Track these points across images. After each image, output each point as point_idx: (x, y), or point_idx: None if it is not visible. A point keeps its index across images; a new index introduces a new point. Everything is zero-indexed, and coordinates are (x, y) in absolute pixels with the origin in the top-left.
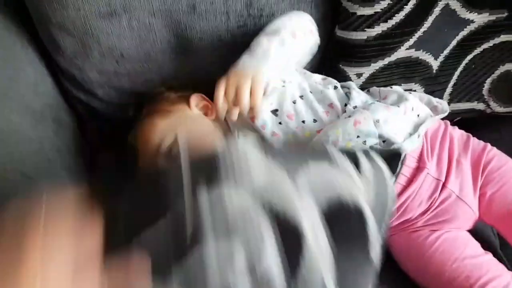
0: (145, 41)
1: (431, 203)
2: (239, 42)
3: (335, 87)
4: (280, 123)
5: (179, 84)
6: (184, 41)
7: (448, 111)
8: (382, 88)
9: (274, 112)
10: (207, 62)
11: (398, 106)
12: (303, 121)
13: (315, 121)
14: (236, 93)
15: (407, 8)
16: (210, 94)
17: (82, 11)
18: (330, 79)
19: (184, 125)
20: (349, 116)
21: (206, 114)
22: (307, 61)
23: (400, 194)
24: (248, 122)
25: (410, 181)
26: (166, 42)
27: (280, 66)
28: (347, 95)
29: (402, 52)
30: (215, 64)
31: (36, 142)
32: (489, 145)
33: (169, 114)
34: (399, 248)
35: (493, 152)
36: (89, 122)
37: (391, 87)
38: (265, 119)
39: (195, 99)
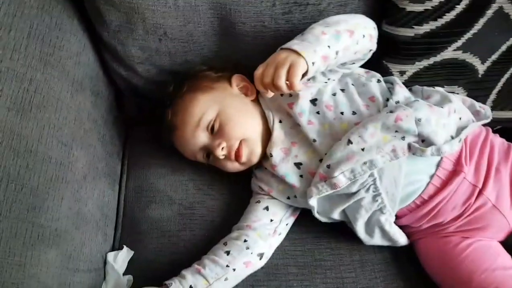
0: (189, 22)
1: (465, 208)
2: (282, 29)
3: (378, 81)
4: (317, 112)
5: (219, 64)
6: (227, 24)
7: (491, 117)
8: (425, 87)
9: (313, 101)
10: (247, 46)
11: (442, 107)
12: (342, 113)
13: (354, 113)
14: (274, 71)
15: (459, 8)
16: (250, 77)
17: None
18: (373, 72)
19: (226, 101)
20: (391, 111)
21: (246, 94)
22: (356, 66)
23: (433, 196)
24: (286, 108)
25: (445, 184)
26: (209, 24)
27: (328, 58)
28: (390, 90)
29: (448, 53)
30: (255, 49)
31: (74, 111)
32: None
33: (211, 90)
34: (426, 252)
35: None
36: (126, 96)
37: (434, 88)
38: (303, 107)
39: (236, 79)
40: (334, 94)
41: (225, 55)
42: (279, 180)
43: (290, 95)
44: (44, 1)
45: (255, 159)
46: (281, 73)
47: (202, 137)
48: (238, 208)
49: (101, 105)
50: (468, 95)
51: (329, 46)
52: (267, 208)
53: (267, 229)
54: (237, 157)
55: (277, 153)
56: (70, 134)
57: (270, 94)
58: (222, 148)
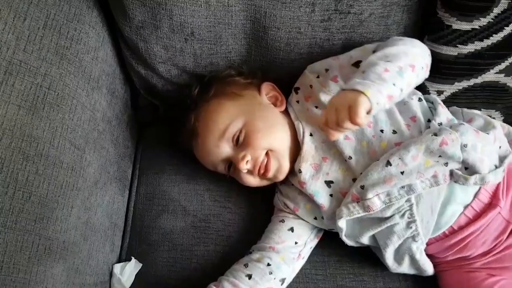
0: (219, 22)
1: (496, 245)
2: (318, 37)
3: (420, 99)
4: None
5: (249, 70)
6: (260, 28)
7: None
8: (464, 109)
9: None
10: (279, 53)
11: (487, 133)
12: (382, 131)
13: (394, 132)
14: (337, 116)
15: (507, 30)
16: (279, 85)
17: None
18: (414, 89)
19: (254, 112)
20: (435, 134)
21: (275, 104)
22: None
23: (464, 227)
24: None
25: (478, 216)
26: (241, 26)
27: (393, 97)
28: (431, 110)
29: (490, 76)
30: (287, 57)
31: (89, 110)
32: None
33: (239, 98)
34: (449, 285)
35: None
36: (142, 96)
37: (474, 111)
38: None
39: (266, 87)
40: None
41: (254, 62)
42: (307, 198)
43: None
44: None
45: (282, 175)
46: (343, 116)
47: (225, 148)
48: (257, 225)
49: (116, 104)
50: (504, 120)
51: (394, 84)
52: (292, 229)
53: (291, 252)
54: (265, 171)
55: (306, 169)
56: (83, 136)
57: (337, 135)
58: (247, 162)
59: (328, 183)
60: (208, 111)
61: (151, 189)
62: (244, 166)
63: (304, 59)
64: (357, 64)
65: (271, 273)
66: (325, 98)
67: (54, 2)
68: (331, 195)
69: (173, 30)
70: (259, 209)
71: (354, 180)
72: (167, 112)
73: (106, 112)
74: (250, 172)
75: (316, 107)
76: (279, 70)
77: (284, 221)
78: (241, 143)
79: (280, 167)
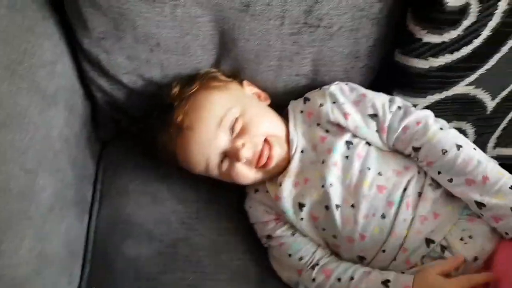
0: (186, 33)
1: None
2: (288, 50)
3: None
4: (346, 157)
5: (227, 71)
6: (229, 39)
7: None
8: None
9: (348, 143)
10: (249, 64)
11: None
12: (369, 168)
13: (380, 174)
14: None
15: (477, 42)
16: None
17: None
18: None
19: (245, 101)
20: None
21: (259, 98)
22: None
23: None
24: (316, 140)
25: None
26: (209, 37)
27: None
28: None
29: (460, 88)
30: (257, 68)
31: (43, 129)
32: None
33: (227, 90)
34: None
35: None
36: (103, 111)
37: None
38: (337, 145)
39: (248, 83)
40: (368, 144)
41: (222, 72)
42: (281, 210)
43: (327, 130)
44: None
45: (284, 162)
46: None
47: (222, 138)
48: (227, 246)
49: (75, 121)
50: (475, 132)
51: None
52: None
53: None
54: (268, 159)
55: (287, 185)
56: (36, 158)
57: None
58: (248, 148)
59: (301, 206)
60: (199, 103)
61: (113, 212)
62: (245, 154)
63: (274, 71)
64: (373, 116)
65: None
66: (330, 123)
67: (5, 13)
68: (301, 218)
69: (137, 41)
70: (229, 229)
71: (326, 207)
72: (130, 128)
73: (63, 130)
74: (247, 163)
75: (318, 124)
76: (250, 81)
77: (295, 233)
78: (237, 132)
79: (281, 154)
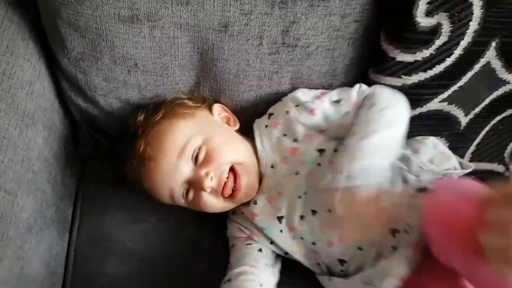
0: (165, 54)
1: None
2: (267, 69)
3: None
4: (319, 164)
5: (198, 96)
6: (208, 60)
7: None
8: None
9: (321, 151)
10: (229, 84)
11: None
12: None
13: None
14: None
15: (449, 61)
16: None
17: (100, 10)
18: None
19: (210, 128)
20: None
21: (228, 124)
22: None
23: None
24: (286, 152)
25: None
26: (188, 58)
27: None
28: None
29: (434, 104)
30: (237, 88)
31: (22, 150)
32: None
33: (192, 118)
34: None
35: None
36: (82, 130)
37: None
38: (308, 155)
39: (217, 108)
40: (335, 150)
41: (202, 92)
42: (258, 229)
43: (295, 139)
44: None
45: (253, 192)
46: None
47: (185, 169)
48: (208, 263)
49: (54, 140)
50: (449, 146)
51: None
52: (260, 250)
53: (267, 269)
54: (235, 190)
55: (262, 201)
56: (15, 179)
57: None
58: (211, 178)
59: (280, 218)
60: (161, 131)
61: (94, 230)
62: (209, 183)
63: (254, 91)
64: (338, 101)
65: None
66: (298, 128)
67: None
68: (281, 230)
69: (115, 62)
70: (209, 247)
71: (301, 217)
72: (110, 146)
73: (43, 150)
74: (213, 193)
75: (285, 135)
76: (229, 101)
77: (251, 244)
78: (201, 161)
79: (250, 182)
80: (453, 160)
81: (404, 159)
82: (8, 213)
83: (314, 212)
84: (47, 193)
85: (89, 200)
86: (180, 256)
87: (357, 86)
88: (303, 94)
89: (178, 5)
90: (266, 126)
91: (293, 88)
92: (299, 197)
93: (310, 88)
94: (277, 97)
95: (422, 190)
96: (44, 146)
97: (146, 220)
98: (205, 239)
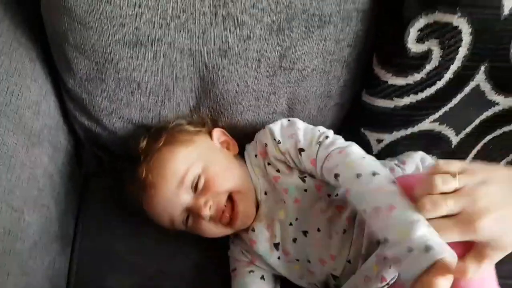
0: (167, 77)
1: None
2: (265, 90)
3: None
4: (305, 190)
5: (198, 118)
6: (208, 82)
7: None
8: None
9: (303, 178)
10: (228, 105)
11: None
12: (329, 195)
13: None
14: None
15: (439, 84)
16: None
17: (106, 36)
18: None
19: (209, 156)
20: None
21: (227, 149)
22: None
23: None
24: (272, 180)
25: None
26: (189, 80)
27: None
28: None
29: (426, 124)
30: (236, 108)
31: (29, 168)
32: None
33: (191, 144)
34: None
35: None
36: (87, 147)
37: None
38: (290, 183)
39: (217, 133)
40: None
41: (202, 112)
42: (258, 255)
43: (278, 170)
44: (4, 43)
45: (249, 220)
46: None
47: (185, 197)
48: (210, 276)
49: (58, 157)
50: None
51: None
52: (263, 277)
53: None
54: (233, 218)
55: (260, 229)
56: (22, 196)
57: None
58: (210, 207)
59: (276, 245)
60: (162, 159)
61: (95, 245)
62: (207, 212)
63: (252, 110)
64: (301, 150)
65: None
66: (276, 162)
67: None
68: (278, 257)
69: (119, 84)
70: (212, 260)
71: (294, 240)
72: (112, 164)
73: (48, 167)
74: (212, 220)
75: (269, 163)
76: (228, 121)
77: (253, 271)
78: (200, 189)
79: (247, 210)
80: None
81: (389, 169)
82: (15, 229)
83: (305, 232)
84: (51, 209)
85: (90, 215)
86: (181, 272)
87: (322, 137)
88: (279, 130)
89: (180, 31)
90: (256, 155)
91: (290, 108)
92: (290, 224)
93: (306, 108)
94: (274, 116)
95: None
96: (49, 163)
97: (147, 235)
98: (207, 256)
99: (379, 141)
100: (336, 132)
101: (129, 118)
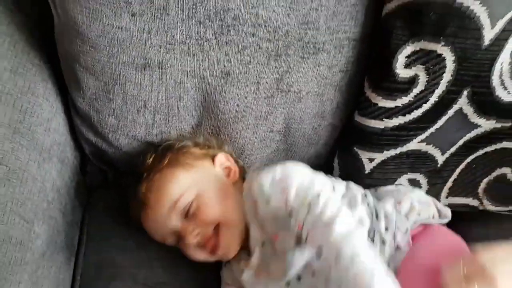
0: (171, 96)
1: None
2: (263, 110)
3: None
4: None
5: (204, 140)
6: (210, 101)
7: None
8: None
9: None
10: (228, 124)
11: None
12: None
13: None
14: None
15: (426, 107)
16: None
17: (115, 58)
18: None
19: (206, 183)
20: None
21: (228, 175)
22: None
23: None
24: (270, 235)
25: None
26: (192, 100)
27: None
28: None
29: (413, 144)
30: (236, 127)
31: (39, 182)
32: None
33: (192, 169)
34: None
35: None
36: (92, 162)
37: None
38: (289, 249)
39: (220, 158)
40: None
41: (203, 130)
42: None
43: (275, 226)
44: (18, 64)
45: (231, 254)
46: None
47: (175, 221)
48: None
49: (66, 172)
50: (428, 182)
51: None
52: None
53: None
54: (215, 248)
55: (249, 275)
56: (33, 209)
57: None
58: (196, 234)
59: None
60: (161, 180)
61: (99, 256)
62: (192, 239)
63: (251, 129)
64: (290, 213)
65: None
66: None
67: (8, 77)
68: None
69: (126, 103)
70: (213, 273)
71: (287, 284)
72: (116, 178)
73: (56, 181)
74: (199, 246)
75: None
76: (228, 139)
77: None
78: (191, 215)
79: (229, 244)
80: (432, 207)
81: (385, 216)
82: (25, 240)
83: (299, 277)
84: (58, 221)
85: (95, 226)
86: (183, 284)
87: (314, 200)
88: (270, 184)
89: (186, 56)
90: (251, 204)
91: (286, 127)
92: (288, 284)
93: (301, 128)
94: (271, 134)
95: (397, 248)
96: (57, 177)
97: (150, 247)
98: (209, 268)
99: (371, 160)
100: (330, 151)
101: (134, 135)
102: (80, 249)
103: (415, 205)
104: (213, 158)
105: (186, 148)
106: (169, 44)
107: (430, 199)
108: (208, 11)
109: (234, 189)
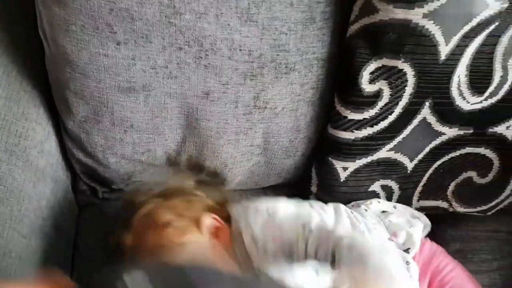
0: (156, 116)
1: None
2: (242, 126)
3: None
4: None
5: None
6: (193, 120)
7: None
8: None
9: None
10: (210, 140)
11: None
12: None
13: None
14: None
15: (391, 118)
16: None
17: (103, 83)
18: None
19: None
20: None
21: (217, 235)
22: None
23: None
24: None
25: None
26: (176, 119)
27: None
28: None
29: (383, 153)
30: (218, 142)
31: (35, 200)
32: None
33: (182, 249)
34: None
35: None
36: (82, 180)
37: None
38: None
39: (205, 220)
40: None
41: (187, 147)
42: None
43: None
44: (12, 91)
45: None
46: None
47: None
48: None
49: (58, 190)
50: (399, 187)
51: None
52: None
53: None
54: None
55: None
56: (30, 225)
57: None
58: None
59: None
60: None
61: (92, 269)
62: None
63: (232, 144)
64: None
65: None
66: None
67: (3, 103)
68: None
69: (113, 124)
70: None
71: None
72: (105, 194)
73: (50, 199)
74: None
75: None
76: (211, 154)
77: None
78: None
79: None
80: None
81: None
82: (24, 255)
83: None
84: (53, 237)
85: (86, 241)
86: None
87: (307, 233)
88: (260, 229)
89: (168, 79)
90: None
91: (265, 140)
92: None
93: (279, 141)
94: (252, 148)
95: None
96: (51, 195)
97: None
98: None
99: (345, 168)
100: (307, 161)
101: (121, 153)
102: (74, 264)
103: (410, 233)
104: (197, 223)
105: (168, 225)
106: (153, 69)
107: (417, 220)
108: (187, 38)
109: (224, 245)
